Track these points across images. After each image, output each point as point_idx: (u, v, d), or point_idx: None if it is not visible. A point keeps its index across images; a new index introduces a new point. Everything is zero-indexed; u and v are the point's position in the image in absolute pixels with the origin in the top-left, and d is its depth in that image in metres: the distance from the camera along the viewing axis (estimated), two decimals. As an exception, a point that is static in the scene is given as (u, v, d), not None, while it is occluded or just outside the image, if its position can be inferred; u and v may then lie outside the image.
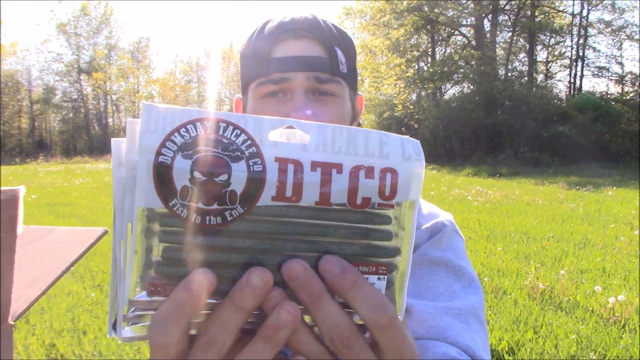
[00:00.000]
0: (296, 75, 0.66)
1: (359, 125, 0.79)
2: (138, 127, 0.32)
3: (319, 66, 0.66)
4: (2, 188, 0.50)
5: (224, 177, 0.31)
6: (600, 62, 23.58)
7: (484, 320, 0.64)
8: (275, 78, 0.66)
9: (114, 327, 0.33)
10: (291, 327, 0.31)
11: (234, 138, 0.32)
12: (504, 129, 17.61)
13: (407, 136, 0.35)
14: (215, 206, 0.31)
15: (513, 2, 21.28)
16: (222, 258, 0.32)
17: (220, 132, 0.32)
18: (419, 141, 0.36)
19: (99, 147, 32.84)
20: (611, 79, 22.71)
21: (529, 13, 21.47)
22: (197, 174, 0.31)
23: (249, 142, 0.32)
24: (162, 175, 0.31)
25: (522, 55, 23.71)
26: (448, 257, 0.67)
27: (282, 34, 0.66)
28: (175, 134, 0.31)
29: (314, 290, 0.32)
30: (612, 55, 23.23)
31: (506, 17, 22.30)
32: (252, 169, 0.32)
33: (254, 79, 0.69)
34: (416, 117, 19.40)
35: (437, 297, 0.62)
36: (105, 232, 0.75)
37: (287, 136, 0.35)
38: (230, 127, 0.32)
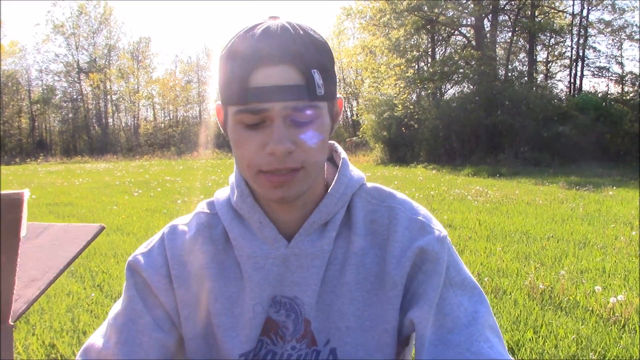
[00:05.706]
0: (274, 106, 0.66)
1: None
2: None
3: (296, 95, 0.66)
4: (7, 191, 0.50)
5: None
6: (600, 62, 23.45)
7: (494, 323, 0.75)
8: (253, 108, 0.67)
9: None
10: None
11: None
12: (504, 129, 17.58)
13: None
14: None
15: (513, 2, 21.24)
16: None
17: None
18: None
19: (99, 147, 32.83)
20: (611, 79, 22.70)
21: (529, 13, 21.42)
22: None
23: None
24: None
25: (522, 55, 23.69)
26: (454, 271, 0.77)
27: (259, 61, 0.66)
28: None
29: None
30: (612, 55, 23.19)
31: (506, 17, 22.26)
32: None
33: (232, 103, 0.69)
34: (416, 117, 19.35)
35: (458, 324, 0.73)
36: (102, 229, 0.75)
37: None
38: None
